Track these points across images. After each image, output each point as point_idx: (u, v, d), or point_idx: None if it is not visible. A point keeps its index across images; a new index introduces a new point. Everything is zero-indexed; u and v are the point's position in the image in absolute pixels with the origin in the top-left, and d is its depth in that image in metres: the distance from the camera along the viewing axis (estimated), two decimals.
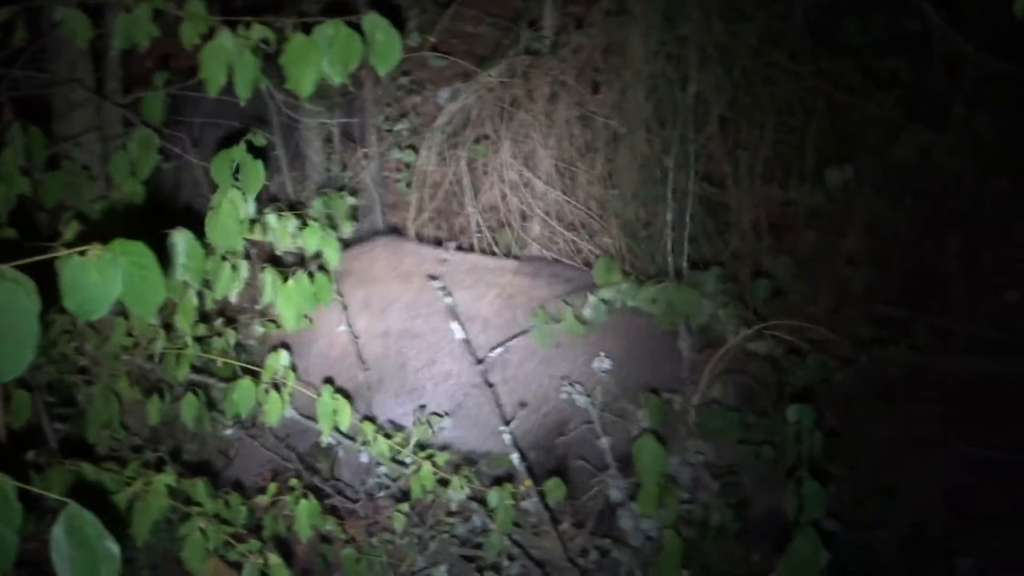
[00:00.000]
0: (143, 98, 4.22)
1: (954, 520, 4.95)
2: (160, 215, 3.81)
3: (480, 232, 5.55)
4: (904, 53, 5.32)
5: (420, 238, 5.70)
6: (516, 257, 5.23)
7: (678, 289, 4.63)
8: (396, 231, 5.61)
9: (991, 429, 5.17)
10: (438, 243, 5.49)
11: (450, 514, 4.81)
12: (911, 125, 5.05)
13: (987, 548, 4.92)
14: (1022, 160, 5.06)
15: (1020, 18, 2.20)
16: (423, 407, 4.98)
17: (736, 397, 4.72)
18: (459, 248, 5.18)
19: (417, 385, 4.98)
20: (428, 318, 4.89)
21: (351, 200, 4.93)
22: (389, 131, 6.39)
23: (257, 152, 3.83)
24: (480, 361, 4.70)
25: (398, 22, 3.53)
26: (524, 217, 5.47)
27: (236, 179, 3.66)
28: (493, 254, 5.28)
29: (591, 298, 4.70)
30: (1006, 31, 5.09)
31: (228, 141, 3.76)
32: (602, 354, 4.54)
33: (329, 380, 4.34)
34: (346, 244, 4.84)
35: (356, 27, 3.17)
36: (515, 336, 4.72)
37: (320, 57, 3.17)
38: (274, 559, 3.89)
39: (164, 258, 3.33)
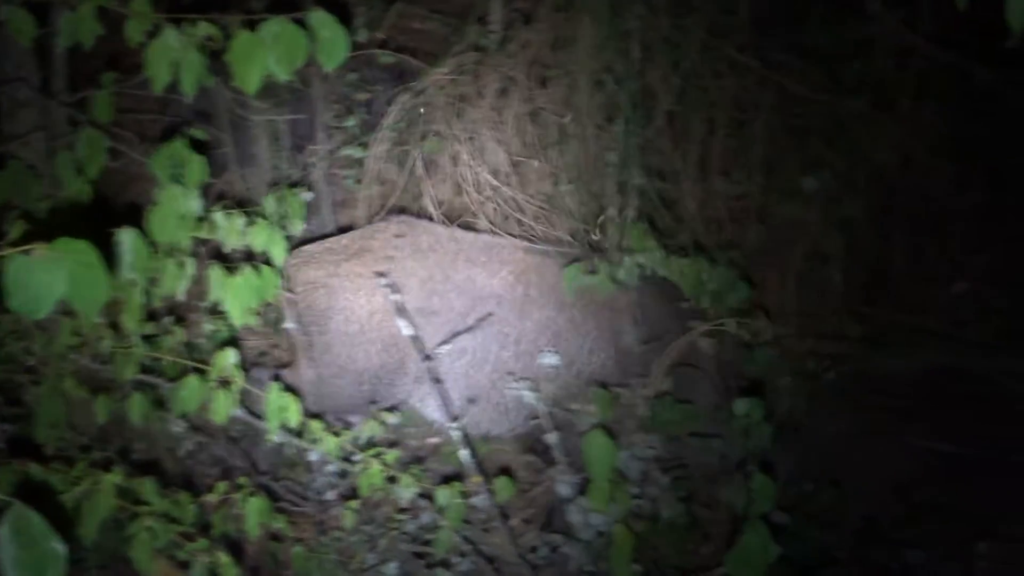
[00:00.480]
0: (91, 97, 4.23)
1: (904, 512, 5.02)
2: (107, 213, 3.86)
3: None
4: (852, 46, 5.41)
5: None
6: (531, 238, 5.33)
7: (702, 263, 4.78)
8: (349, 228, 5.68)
9: (941, 421, 5.26)
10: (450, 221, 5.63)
11: (402, 511, 4.85)
12: (860, 117, 5.14)
13: (937, 540, 5.00)
14: (966, 150, 5.19)
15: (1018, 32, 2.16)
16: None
17: (686, 390, 4.82)
18: (470, 228, 5.30)
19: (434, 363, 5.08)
20: (444, 295, 4.99)
21: (305, 197, 4.96)
22: (338, 128, 6.43)
23: (199, 147, 3.91)
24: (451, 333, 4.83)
25: (345, 19, 3.58)
26: (474, 214, 5.51)
27: (177, 174, 3.74)
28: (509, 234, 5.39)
29: (627, 259, 4.80)
30: (951, 23, 5.23)
31: (174, 137, 3.84)
32: (548, 349, 4.68)
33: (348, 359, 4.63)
34: (346, 229, 4.97)
35: (302, 24, 3.18)
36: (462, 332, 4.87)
37: (266, 54, 3.19)
38: (223, 558, 3.94)
39: (110, 256, 3.40)
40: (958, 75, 5.06)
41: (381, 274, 4.88)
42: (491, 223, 5.44)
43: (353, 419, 5.12)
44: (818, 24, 5.55)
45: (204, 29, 3.43)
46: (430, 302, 5.01)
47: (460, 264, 5.04)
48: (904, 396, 5.34)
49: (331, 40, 3.21)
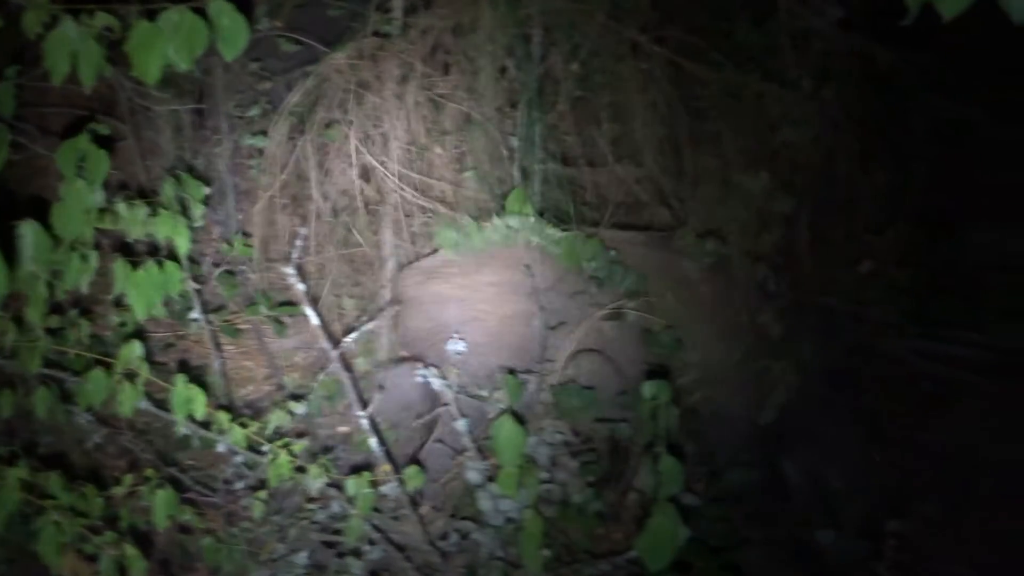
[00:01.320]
0: None
1: (816, 492, 5.16)
2: (10, 206, 3.94)
3: (333, 217, 5.70)
4: (755, 27, 5.53)
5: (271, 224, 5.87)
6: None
7: (582, 238, 4.90)
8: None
9: (851, 401, 5.42)
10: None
11: (311, 500, 4.92)
12: (762, 99, 5.28)
13: (848, 519, 5.14)
14: (870, 132, 5.38)
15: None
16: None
17: (592, 375, 4.94)
18: None
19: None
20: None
21: (202, 187, 5.04)
22: (240, 117, 6.51)
23: (102, 140, 3.95)
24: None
25: (245, 7, 3.70)
26: (377, 201, 5.61)
27: (81, 168, 3.80)
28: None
29: (496, 219, 4.98)
30: (854, 5, 5.39)
31: (76, 130, 3.88)
32: (456, 336, 4.78)
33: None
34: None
35: (202, 13, 3.25)
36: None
37: (165, 44, 3.25)
38: (131, 550, 4.02)
39: (12, 250, 3.51)
40: (860, 56, 5.20)
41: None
42: (394, 209, 5.55)
43: None
44: (721, 6, 5.70)
45: (102, 19, 3.45)
46: None
47: None
48: (812, 376, 5.43)
49: (231, 28, 3.28)
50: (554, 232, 4.93)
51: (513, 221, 4.97)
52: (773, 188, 5.14)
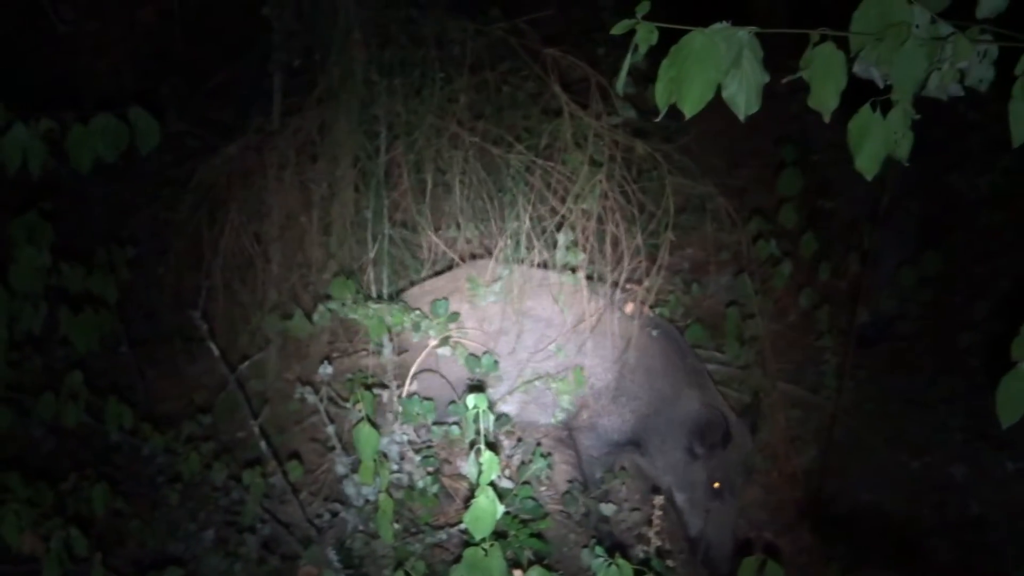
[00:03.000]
0: None
1: (601, 473, 5.85)
2: None
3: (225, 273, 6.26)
4: (546, 123, 6.18)
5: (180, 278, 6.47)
6: None
7: (390, 307, 5.43)
8: None
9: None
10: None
11: (216, 490, 5.47)
12: (550, 176, 5.92)
13: (626, 495, 5.94)
14: (631, 203, 5.83)
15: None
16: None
17: (430, 389, 5.50)
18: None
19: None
20: None
21: (127, 250, 5.68)
22: (156, 195, 7.17)
23: (47, 215, 4.73)
24: None
25: (159, 111, 4.21)
26: (261, 262, 6.25)
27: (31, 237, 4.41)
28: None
29: (320, 306, 5.51)
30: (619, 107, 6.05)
31: (28, 208, 4.57)
32: (327, 361, 5.41)
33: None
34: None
35: (124, 118, 3.90)
36: None
37: (95, 142, 3.91)
38: (75, 532, 4.64)
39: None
40: (624, 147, 5.87)
41: None
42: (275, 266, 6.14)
43: None
44: (519, 106, 6.49)
45: (46, 124, 4.02)
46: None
47: None
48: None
49: (146, 130, 3.98)
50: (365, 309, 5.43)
51: (333, 304, 5.53)
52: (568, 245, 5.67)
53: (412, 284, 6.14)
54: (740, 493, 5.53)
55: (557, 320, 5.69)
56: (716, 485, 5.45)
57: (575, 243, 5.69)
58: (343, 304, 5.41)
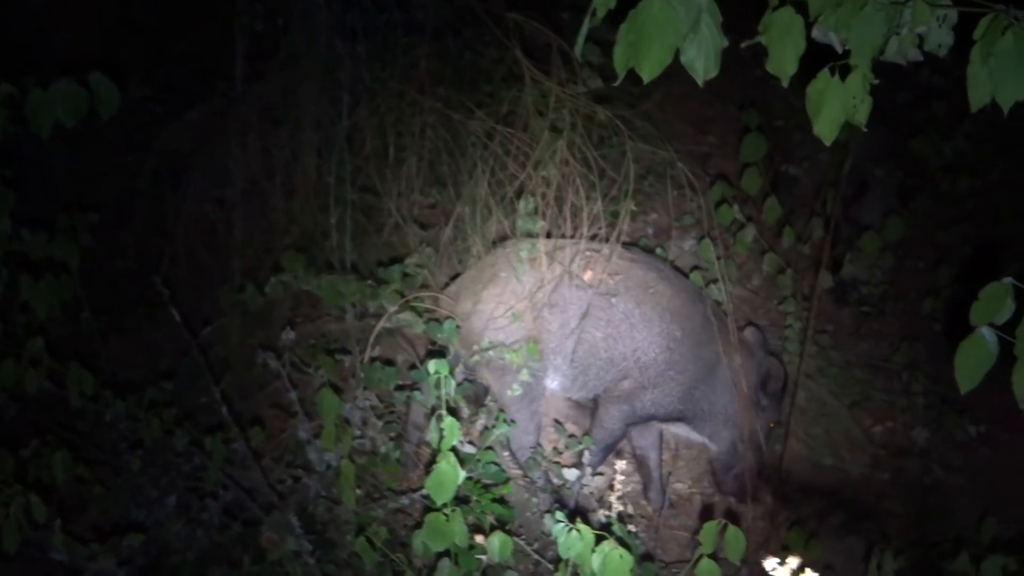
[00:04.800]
0: None
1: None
2: None
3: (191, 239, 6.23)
4: (507, 88, 6.23)
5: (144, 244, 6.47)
6: None
7: (343, 279, 5.43)
8: None
9: None
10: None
11: (178, 455, 5.40)
12: (510, 143, 5.93)
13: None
14: (591, 169, 5.82)
15: None
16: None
17: (392, 355, 5.52)
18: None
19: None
20: None
21: (90, 216, 5.62)
22: (120, 161, 6.92)
23: (8, 182, 4.73)
24: None
25: (123, 77, 4.17)
26: (223, 227, 6.23)
27: None
28: None
29: (272, 279, 5.46)
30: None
31: None
32: (290, 327, 5.33)
33: None
34: None
35: (85, 84, 3.84)
36: None
37: (56, 107, 3.85)
38: (35, 499, 4.60)
39: None
40: (585, 114, 5.89)
41: None
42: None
43: None
44: (482, 72, 6.50)
45: (5, 88, 4.01)
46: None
47: None
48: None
49: (106, 96, 3.91)
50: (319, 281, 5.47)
51: (285, 276, 5.51)
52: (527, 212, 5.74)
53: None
54: None
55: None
56: (772, 425, 5.73)
57: (535, 210, 5.71)
58: (296, 276, 5.42)
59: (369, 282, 5.33)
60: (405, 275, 5.66)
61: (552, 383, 5.71)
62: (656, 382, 5.69)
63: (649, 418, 5.83)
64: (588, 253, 5.66)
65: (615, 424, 5.82)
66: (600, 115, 5.83)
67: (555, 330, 5.55)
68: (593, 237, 5.61)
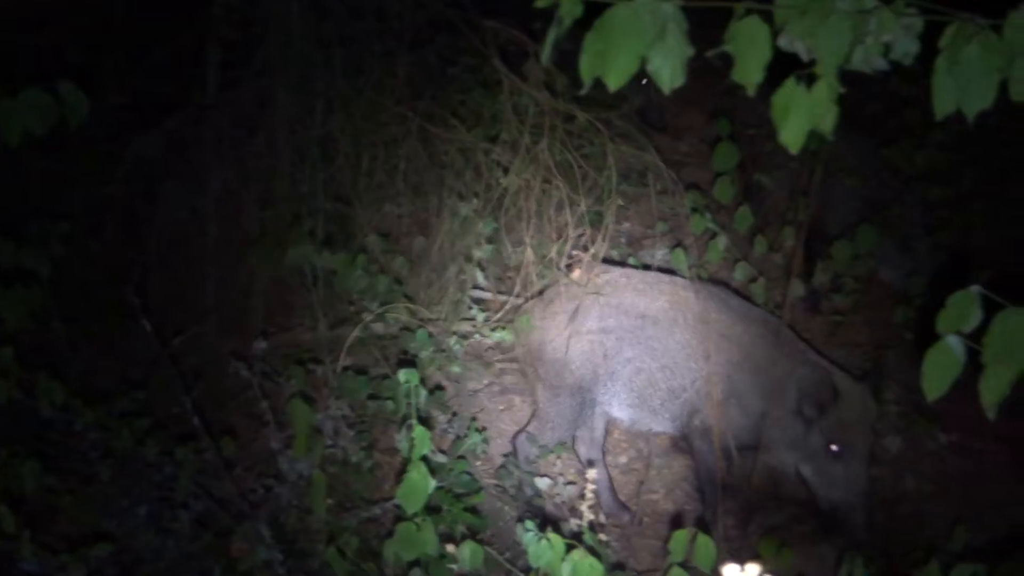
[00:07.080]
0: None
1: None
2: None
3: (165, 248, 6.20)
4: (486, 99, 6.29)
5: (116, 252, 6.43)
6: None
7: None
8: None
9: None
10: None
11: (149, 465, 5.38)
12: (489, 154, 6.00)
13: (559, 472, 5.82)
14: (569, 174, 5.89)
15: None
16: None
17: (365, 363, 5.49)
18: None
19: None
20: None
21: (61, 226, 5.67)
22: (93, 171, 6.81)
23: None
24: None
25: (98, 85, 4.37)
26: (197, 237, 6.20)
27: None
28: None
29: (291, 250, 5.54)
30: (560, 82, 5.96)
31: None
32: (262, 336, 5.41)
33: None
34: None
35: (53, 92, 3.74)
36: None
37: (24, 116, 3.74)
38: (4, 509, 4.62)
39: None
40: (565, 117, 5.87)
41: None
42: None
43: None
44: (458, 84, 6.47)
45: None
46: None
47: None
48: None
49: (75, 104, 3.80)
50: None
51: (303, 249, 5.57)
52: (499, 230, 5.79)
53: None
54: (865, 458, 5.48)
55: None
56: (833, 447, 5.42)
57: (518, 216, 5.77)
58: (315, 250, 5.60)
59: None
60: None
61: (619, 412, 5.73)
62: (719, 414, 5.62)
63: (729, 450, 5.71)
64: (647, 281, 5.76)
65: (709, 458, 5.74)
66: (580, 118, 5.84)
67: (611, 353, 5.57)
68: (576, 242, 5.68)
